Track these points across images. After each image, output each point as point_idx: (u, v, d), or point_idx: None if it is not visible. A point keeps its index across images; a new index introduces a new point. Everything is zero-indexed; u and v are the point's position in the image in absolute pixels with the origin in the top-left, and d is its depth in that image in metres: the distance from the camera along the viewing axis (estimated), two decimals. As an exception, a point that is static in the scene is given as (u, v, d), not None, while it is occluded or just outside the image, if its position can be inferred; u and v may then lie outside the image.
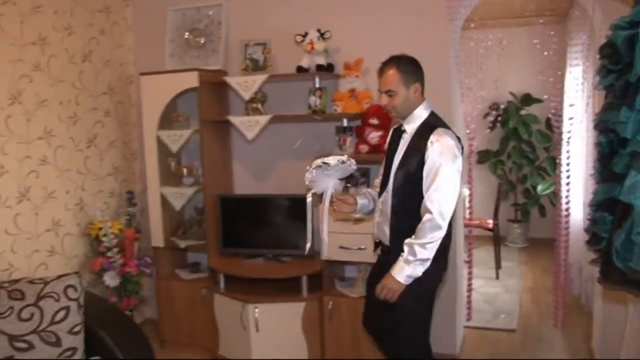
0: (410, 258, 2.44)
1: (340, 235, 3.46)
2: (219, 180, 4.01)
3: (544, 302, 4.90)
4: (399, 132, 2.70)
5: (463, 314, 4.26)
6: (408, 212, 2.55)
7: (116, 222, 3.83)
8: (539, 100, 6.59)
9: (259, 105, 3.82)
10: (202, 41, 4.03)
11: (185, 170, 4.07)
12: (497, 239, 5.79)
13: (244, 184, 4.18)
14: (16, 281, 2.75)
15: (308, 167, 2.60)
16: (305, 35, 3.64)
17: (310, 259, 3.71)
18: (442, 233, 2.45)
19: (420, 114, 2.62)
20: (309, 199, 2.76)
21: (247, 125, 3.71)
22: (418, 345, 2.66)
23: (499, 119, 6.94)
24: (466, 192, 4.59)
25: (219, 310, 3.77)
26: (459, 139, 2.59)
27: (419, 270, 2.46)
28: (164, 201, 4.00)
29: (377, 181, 2.89)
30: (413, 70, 2.61)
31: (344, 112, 3.56)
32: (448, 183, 2.45)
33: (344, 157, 2.59)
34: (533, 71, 6.22)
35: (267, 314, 3.50)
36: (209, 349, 3.88)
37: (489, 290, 5.23)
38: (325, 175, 2.59)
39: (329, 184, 2.64)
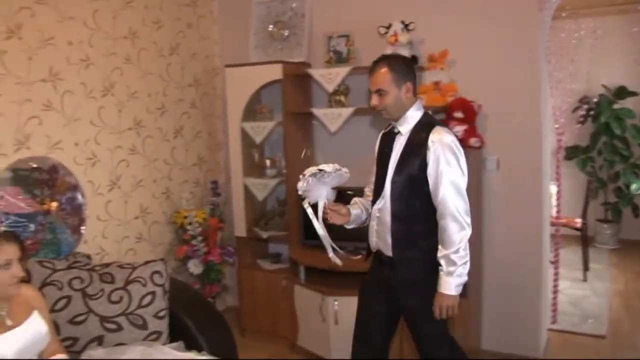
0: (452, 269, 2.35)
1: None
2: (300, 171, 4.00)
3: (637, 307, 4.64)
4: (391, 135, 2.56)
5: (548, 316, 4.10)
6: (411, 217, 2.46)
7: (200, 211, 3.92)
8: (634, 94, 6.23)
9: (342, 98, 3.81)
10: (286, 33, 4.06)
11: (268, 162, 4.11)
12: (585, 239, 5.53)
13: (325, 176, 4.17)
14: (107, 265, 2.87)
15: (301, 176, 2.44)
16: (388, 27, 3.58)
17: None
18: (468, 231, 2.36)
19: (414, 115, 2.49)
20: (309, 210, 2.54)
21: (330, 117, 3.71)
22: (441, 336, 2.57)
23: (590, 113, 6.61)
24: (554, 189, 4.41)
25: (299, 302, 3.79)
26: (455, 135, 2.48)
27: (464, 274, 2.38)
28: (247, 192, 4.06)
29: (368, 189, 2.75)
30: (405, 70, 2.47)
31: (428, 105, 3.48)
32: (458, 181, 2.37)
33: (337, 166, 2.42)
34: (628, 62, 5.90)
35: (346, 307, 3.48)
36: (288, 338, 3.92)
37: (576, 293, 5.00)
38: (321, 183, 2.43)
39: (322, 193, 2.48)
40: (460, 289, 2.39)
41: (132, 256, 3.60)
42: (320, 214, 2.51)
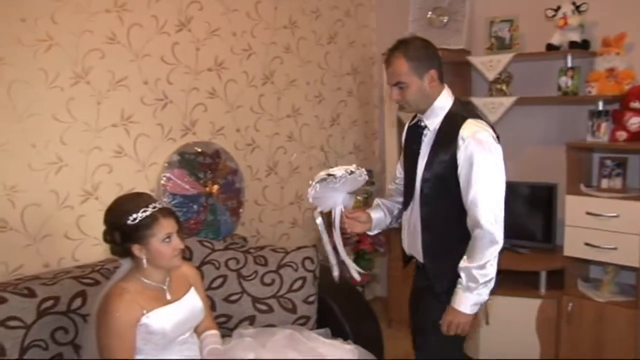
0: (472, 285, 2.05)
1: (586, 231, 3.13)
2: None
3: None
4: (418, 129, 2.23)
5: None
6: (442, 224, 2.17)
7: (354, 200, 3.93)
8: None
9: (504, 87, 3.61)
10: (445, 20, 3.92)
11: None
12: None
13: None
14: (261, 248, 2.98)
15: (311, 182, 2.16)
16: (557, 9, 3.31)
17: (550, 254, 3.43)
18: (500, 245, 2.04)
19: (442, 105, 2.15)
20: (318, 220, 2.30)
21: (490, 107, 3.53)
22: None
23: None
24: None
25: (449, 297, 3.67)
26: (492, 127, 2.13)
27: (484, 294, 2.08)
28: (401, 182, 4.01)
29: (392, 188, 2.51)
30: (426, 56, 2.13)
31: (600, 94, 3.19)
32: (493, 184, 2.04)
33: (352, 167, 2.14)
34: None
35: (499, 307, 3.31)
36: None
37: None
38: (333, 189, 2.15)
39: (338, 200, 2.22)
40: (476, 308, 2.10)
41: (285, 241, 3.71)
42: (337, 222, 2.26)
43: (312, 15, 3.85)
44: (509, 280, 3.40)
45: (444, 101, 2.16)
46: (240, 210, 3.34)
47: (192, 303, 2.19)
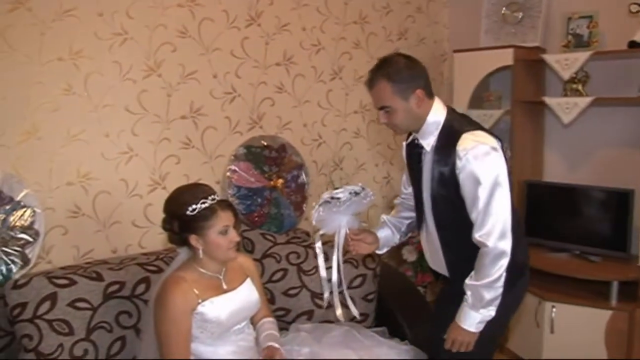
0: (478, 303, 1.96)
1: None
2: (528, 165, 3.76)
3: None
4: (417, 148, 2.12)
5: None
6: (463, 243, 2.03)
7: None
8: None
9: (579, 86, 3.45)
10: (520, 16, 3.79)
11: (492, 152, 3.91)
12: None
13: (555, 171, 3.84)
14: (323, 243, 2.97)
15: (314, 204, 2.13)
16: (643, 4, 3.14)
17: (624, 263, 3.25)
18: (508, 256, 1.93)
19: (436, 120, 2.03)
20: (318, 244, 2.30)
21: (564, 107, 3.39)
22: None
23: None
24: None
25: (514, 302, 3.56)
26: (491, 133, 2.00)
27: (491, 312, 1.98)
28: (469, 181, 3.91)
29: (398, 202, 2.43)
30: (410, 77, 2.00)
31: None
32: (497, 200, 1.91)
33: (358, 187, 2.09)
34: None
35: (565, 315, 3.18)
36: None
37: None
38: (337, 212, 2.10)
39: (342, 222, 2.16)
40: (482, 326, 2.01)
41: (348, 237, 3.69)
42: (340, 244, 2.20)
43: (382, 11, 3.81)
44: (578, 288, 3.26)
45: (437, 116, 2.05)
46: (304, 205, 3.35)
47: (247, 293, 2.22)
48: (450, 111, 2.09)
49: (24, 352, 2.21)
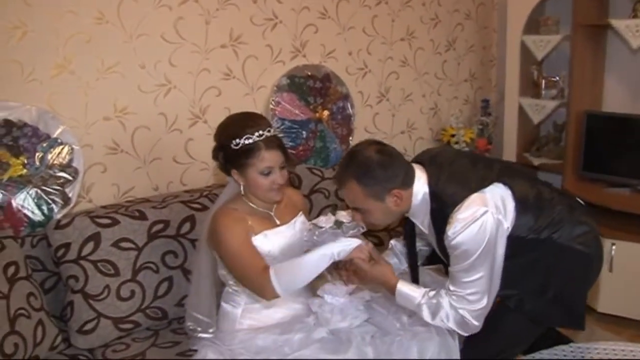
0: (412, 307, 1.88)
1: None
2: (587, 94, 3.50)
3: None
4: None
5: None
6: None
7: (469, 131, 3.68)
8: None
9: (653, 4, 3.15)
10: None
11: (546, 81, 3.67)
12: None
13: (616, 101, 3.57)
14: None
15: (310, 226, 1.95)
16: None
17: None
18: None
19: (421, 205, 1.84)
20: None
21: (634, 30, 3.09)
22: None
23: None
24: None
25: (570, 239, 3.39)
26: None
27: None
28: (521, 113, 3.70)
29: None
30: (384, 177, 1.77)
31: None
32: (484, 283, 1.77)
33: (345, 217, 1.89)
34: None
35: (625, 253, 3.01)
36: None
37: None
38: (316, 242, 1.89)
39: (333, 250, 1.87)
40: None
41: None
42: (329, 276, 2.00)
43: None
44: (637, 225, 3.07)
45: (420, 200, 1.85)
46: (350, 138, 3.20)
47: (301, 227, 2.09)
48: (434, 191, 1.83)
49: (70, 294, 2.18)
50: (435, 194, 1.83)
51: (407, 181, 1.83)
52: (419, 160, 1.97)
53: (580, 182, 3.47)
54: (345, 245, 1.84)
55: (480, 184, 1.82)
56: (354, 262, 1.87)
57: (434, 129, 3.76)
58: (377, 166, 1.78)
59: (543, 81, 3.68)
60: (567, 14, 3.39)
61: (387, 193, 1.79)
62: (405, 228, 2.09)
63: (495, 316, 1.87)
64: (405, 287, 1.87)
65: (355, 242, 1.85)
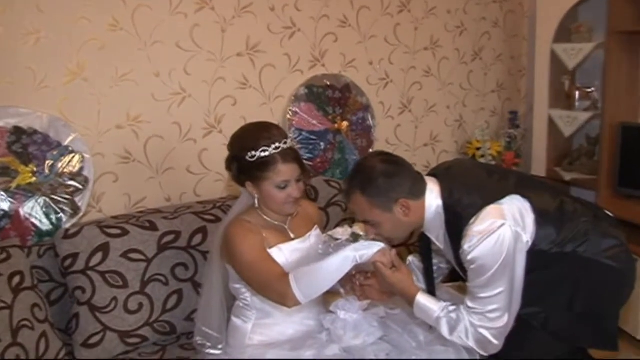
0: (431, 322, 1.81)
1: None
2: (623, 106, 3.33)
3: None
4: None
5: None
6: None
7: (496, 144, 3.56)
8: None
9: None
10: None
11: (579, 92, 3.53)
12: None
13: (654, 112, 3.43)
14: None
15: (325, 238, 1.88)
16: None
17: None
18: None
19: (435, 216, 1.78)
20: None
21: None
22: None
23: None
24: None
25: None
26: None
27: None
28: (552, 125, 3.56)
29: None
30: (389, 187, 1.73)
31: None
32: (504, 299, 1.68)
33: (362, 229, 1.81)
34: None
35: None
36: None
37: None
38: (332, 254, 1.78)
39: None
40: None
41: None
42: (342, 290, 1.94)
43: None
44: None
45: (433, 211, 1.78)
46: (370, 149, 3.11)
47: (315, 242, 2.01)
48: (447, 192, 1.78)
49: (77, 305, 2.14)
50: (449, 207, 1.77)
51: (415, 191, 1.78)
52: (433, 172, 1.91)
53: (615, 198, 3.30)
54: (368, 248, 1.76)
55: (497, 196, 1.74)
56: (375, 266, 1.79)
57: (459, 141, 3.65)
58: (381, 175, 1.75)
59: (577, 92, 3.54)
60: (600, 20, 3.27)
61: (394, 203, 1.75)
62: (420, 244, 2.02)
63: (518, 335, 1.77)
64: (424, 299, 1.79)
65: (378, 246, 1.78)
